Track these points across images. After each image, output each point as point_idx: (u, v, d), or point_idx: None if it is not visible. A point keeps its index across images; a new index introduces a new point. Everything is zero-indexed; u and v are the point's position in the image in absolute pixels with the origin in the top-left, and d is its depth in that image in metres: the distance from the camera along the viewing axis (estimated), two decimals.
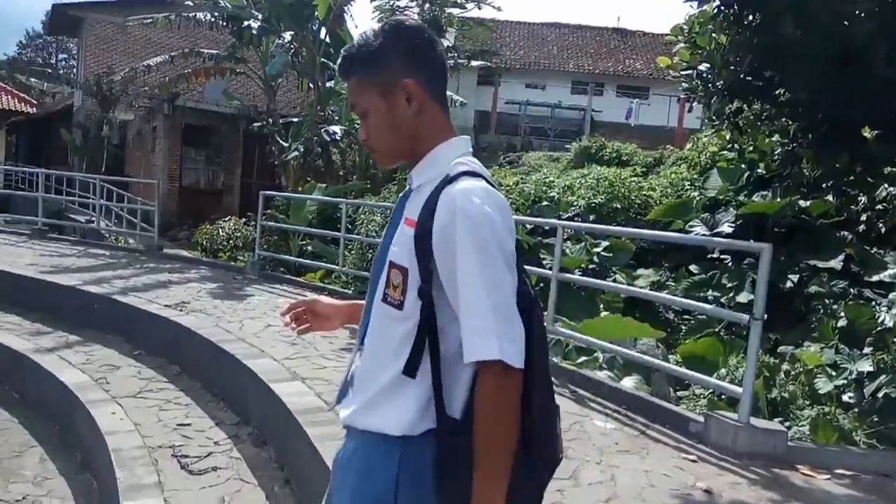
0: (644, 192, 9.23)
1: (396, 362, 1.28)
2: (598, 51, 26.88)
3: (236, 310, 6.50)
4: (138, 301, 6.48)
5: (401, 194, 1.40)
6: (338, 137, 12.38)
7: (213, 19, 12.48)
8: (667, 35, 6.41)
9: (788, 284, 6.78)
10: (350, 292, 7.67)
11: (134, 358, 5.72)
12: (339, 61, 1.36)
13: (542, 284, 7.05)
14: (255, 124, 14.07)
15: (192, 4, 12.92)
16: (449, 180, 1.24)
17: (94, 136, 21.75)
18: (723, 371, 5.21)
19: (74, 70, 30.35)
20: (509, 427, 1.18)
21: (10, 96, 27.03)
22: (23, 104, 27.12)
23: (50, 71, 29.15)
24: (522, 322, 1.21)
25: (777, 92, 5.51)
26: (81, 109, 22.86)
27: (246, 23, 12.23)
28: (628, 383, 5.00)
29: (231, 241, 11.41)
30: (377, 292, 1.33)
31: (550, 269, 6.12)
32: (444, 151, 1.32)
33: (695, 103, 6.94)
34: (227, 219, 12.22)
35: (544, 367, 1.28)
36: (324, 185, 11.31)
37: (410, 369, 1.25)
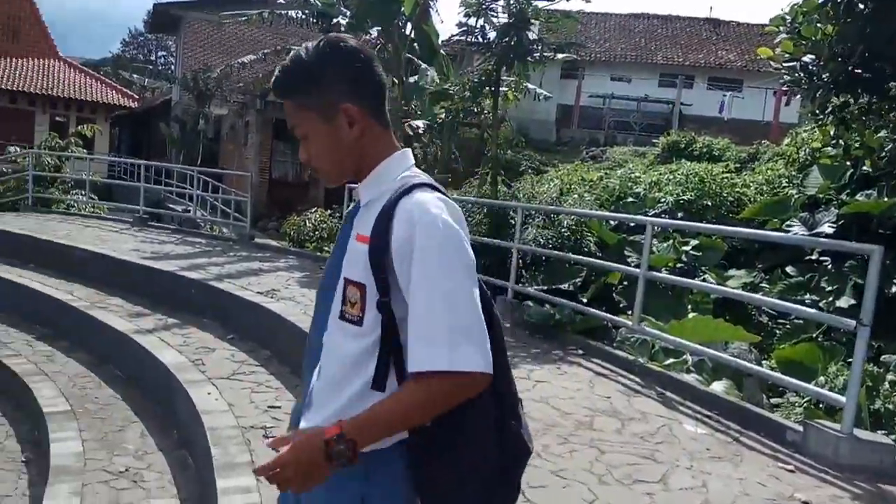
0: (737, 190, 8.85)
1: (359, 377, 1.26)
2: (689, 42, 25.95)
3: None
4: (232, 287, 6.76)
5: (346, 211, 1.39)
6: (421, 132, 12.51)
7: (303, 16, 12.85)
8: (766, 26, 6.11)
9: (894, 290, 6.35)
10: None
11: (227, 341, 5.98)
12: (274, 81, 1.33)
13: (625, 282, 6.92)
14: None
15: (283, 2, 13.35)
16: (403, 193, 1.23)
17: (190, 130, 22.90)
18: (821, 379, 4.94)
19: (173, 67, 31.99)
20: (424, 419, 1.20)
21: (114, 91, 28.79)
22: (126, 99, 28.83)
23: (150, 67, 30.79)
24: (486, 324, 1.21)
25: (889, 85, 5.16)
26: (179, 104, 24.10)
27: (335, 20, 12.53)
28: (718, 388, 4.82)
29: (317, 232, 11.76)
30: (331, 310, 1.31)
31: (636, 266, 6.00)
32: (389, 167, 1.31)
33: (794, 97, 6.59)
34: (313, 210, 12.60)
35: (505, 366, 1.31)
36: None
37: (379, 384, 1.23)
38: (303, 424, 1.36)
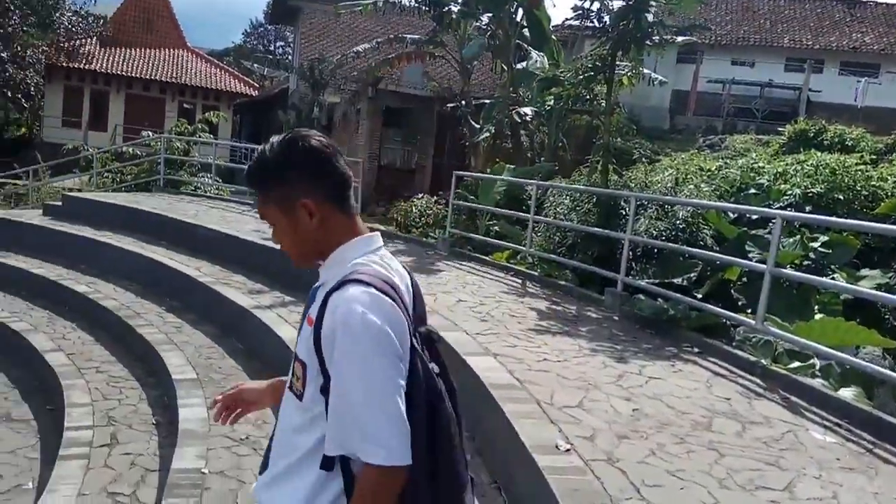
0: (872, 183, 8.13)
1: (295, 449, 1.34)
2: (820, 24, 24.11)
3: (429, 283, 6.78)
4: None
5: (313, 286, 1.43)
6: (528, 119, 12.38)
7: (416, 5, 13.00)
8: None
9: None
10: (536, 273, 7.67)
11: None
12: (245, 173, 1.44)
13: (744, 279, 6.54)
14: (448, 106, 14.50)
15: None
16: (339, 285, 1.28)
17: (305, 118, 23.76)
18: None
19: (290, 56, 33.32)
20: None
21: (236, 80, 30.45)
22: (247, 87, 30.42)
23: (270, 57, 32.26)
24: (424, 415, 1.26)
25: None
26: (295, 92, 25.08)
27: (447, 7, 12.59)
28: (846, 394, 4.47)
29: (423, 219, 11.93)
30: (288, 383, 1.39)
31: (760, 262, 5.66)
32: (345, 253, 1.38)
33: None
34: (419, 197, 12.79)
35: (449, 455, 1.32)
36: (512, 167, 11.40)
37: (328, 463, 1.29)
38: (257, 483, 1.45)
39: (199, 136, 14.99)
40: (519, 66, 12.83)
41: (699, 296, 6.20)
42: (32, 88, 27.32)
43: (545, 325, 5.52)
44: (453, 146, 18.33)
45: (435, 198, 12.44)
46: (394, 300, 1.29)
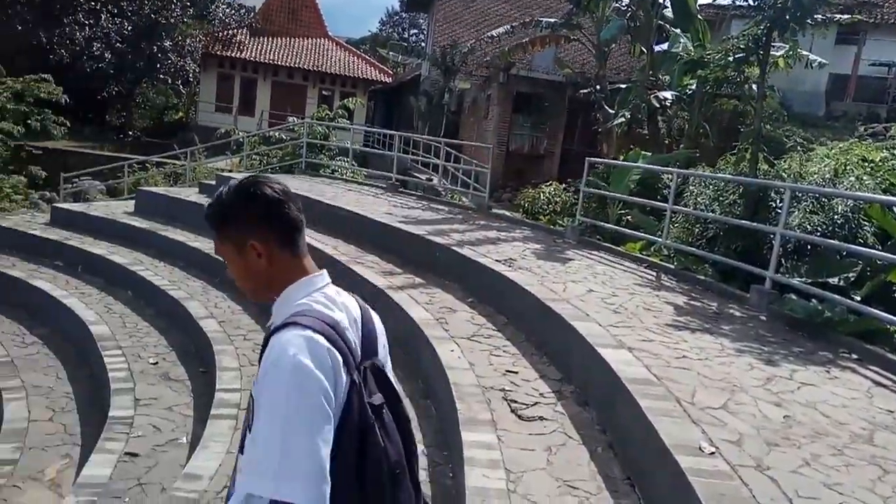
0: None
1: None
2: None
3: (559, 271, 6.67)
4: (472, 254, 7.03)
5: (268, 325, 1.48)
6: (667, 103, 11.83)
7: None
8: None
9: None
10: (672, 266, 7.34)
11: (467, 304, 6.25)
12: (204, 215, 1.50)
13: None
14: (581, 91, 14.16)
15: None
16: (279, 328, 1.34)
17: (435, 104, 24.21)
18: None
19: (423, 43, 33.94)
20: None
21: (372, 67, 31.46)
22: (381, 74, 31.36)
23: (404, 45, 33.00)
24: (355, 447, 1.33)
25: None
26: (427, 79, 25.55)
27: None
28: None
29: (550, 206, 11.78)
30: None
31: None
32: (290, 294, 1.45)
33: None
34: (548, 183, 12.63)
35: (378, 482, 1.37)
36: (648, 154, 10.96)
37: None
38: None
39: (338, 122, 15.63)
40: (659, 48, 12.27)
41: (857, 298, 5.67)
42: (190, 75, 29.72)
43: (683, 320, 5.26)
44: (584, 132, 17.92)
45: (564, 185, 12.23)
46: (333, 341, 1.35)
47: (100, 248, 9.14)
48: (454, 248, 7.26)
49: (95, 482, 4.10)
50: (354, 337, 1.45)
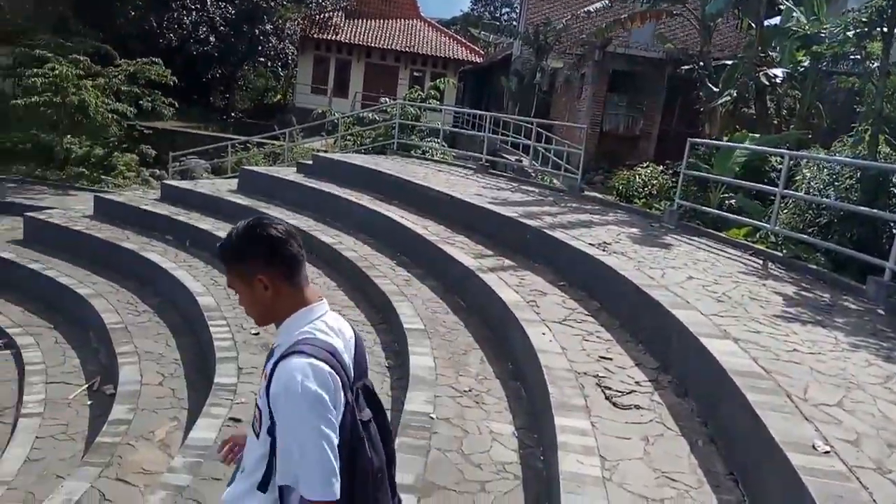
0: None
1: (253, 474, 1.67)
2: None
3: (656, 257, 6.44)
4: (564, 237, 6.90)
5: (272, 345, 1.72)
6: (777, 81, 11.12)
7: None
8: None
9: None
10: (780, 254, 6.93)
11: (558, 288, 6.15)
12: (216, 252, 1.71)
13: None
14: (683, 68, 13.55)
15: None
16: (285, 355, 1.57)
17: (526, 83, 23.87)
18: None
19: (515, 22, 33.48)
20: None
21: (462, 47, 31.35)
22: (472, 54, 31.21)
23: (496, 24, 32.67)
24: (346, 458, 1.58)
25: None
26: (518, 58, 25.22)
27: None
28: None
29: (646, 188, 11.37)
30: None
31: None
32: (291, 323, 1.68)
33: None
34: (643, 165, 12.19)
35: (364, 489, 1.64)
36: (755, 135, 10.36)
37: (263, 486, 1.64)
38: (225, 494, 1.80)
39: (430, 103, 15.69)
40: (769, 22, 11.53)
41: None
42: (289, 58, 30.65)
43: (793, 312, 4.96)
44: (683, 112, 17.18)
45: (662, 167, 11.77)
46: (332, 366, 1.58)
47: (206, 223, 9.61)
48: (545, 230, 7.15)
49: (201, 444, 4.33)
50: (349, 360, 1.70)
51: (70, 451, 5.17)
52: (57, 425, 5.59)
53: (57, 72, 15.71)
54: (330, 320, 1.71)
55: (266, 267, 1.65)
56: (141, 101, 17.63)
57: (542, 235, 7.06)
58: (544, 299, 5.74)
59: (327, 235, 8.62)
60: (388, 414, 4.42)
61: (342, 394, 1.59)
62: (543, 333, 4.85)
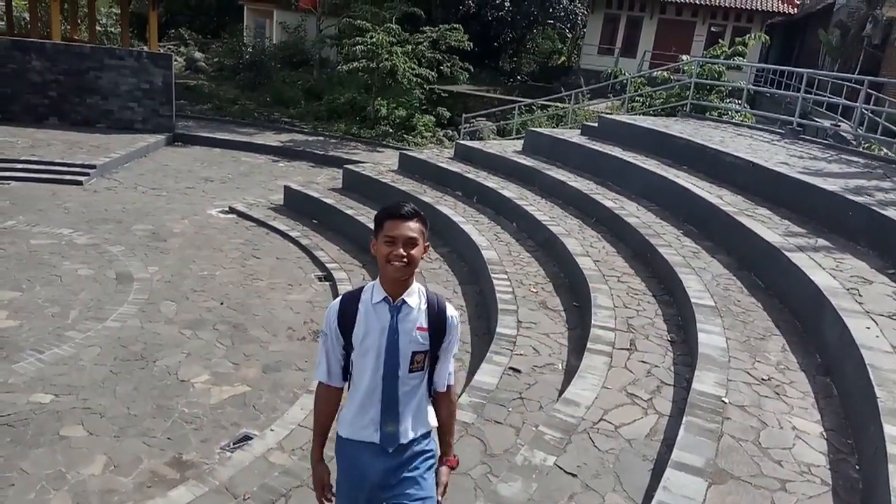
0: None
1: (420, 394, 2.31)
2: None
3: None
4: None
5: (389, 308, 2.25)
6: None
7: None
8: None
9: None
10: None
11: (887, 275, 5.22)
12: (415, 215, 2.21)
13: None
14: None
15: None
16: (441, 303, 2.30)
17: (852, 37, 20.47)
18: None
19: None
20: None
21: None
22: (784, 4, 27.60)
23: None
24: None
25: None
26: (844, 8, 21.69)
27: None
28: None
29: None
30: (401, 369, 2.24)
31: None
32: (415, 281, 2.30)
33: None
34: None
35: None
36: None
37: (430, 394, 2.39)
38: (399, 437, 2.29)
39: (735, 61, 14.29)
40: None
41: None
42: (578, 19, 30.33)
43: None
44: None
45: None
46: None
47: (492, 181, 10.06)
48: (874, 207, 6.07)
49: (485, 388, 4.58)
50: None
51: None
52: None
53: (374, 40, 17.60)
54: None
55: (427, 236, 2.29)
56: (441, 66, 18.97)
57: (870, 213, 6.01)
58: (868, 288, 4.91)
59: (608, 200, 8.42)
60: (671, 390, 4.22)
61: None
62: (868, 328, 4.16)
